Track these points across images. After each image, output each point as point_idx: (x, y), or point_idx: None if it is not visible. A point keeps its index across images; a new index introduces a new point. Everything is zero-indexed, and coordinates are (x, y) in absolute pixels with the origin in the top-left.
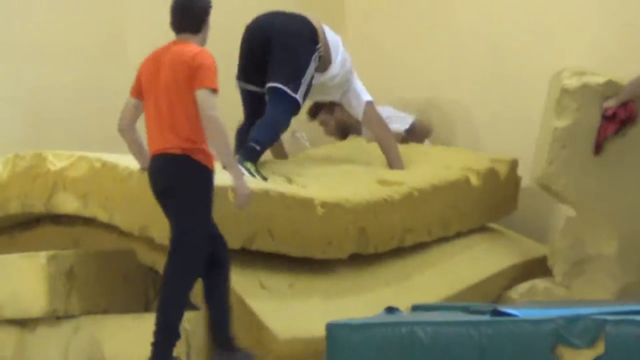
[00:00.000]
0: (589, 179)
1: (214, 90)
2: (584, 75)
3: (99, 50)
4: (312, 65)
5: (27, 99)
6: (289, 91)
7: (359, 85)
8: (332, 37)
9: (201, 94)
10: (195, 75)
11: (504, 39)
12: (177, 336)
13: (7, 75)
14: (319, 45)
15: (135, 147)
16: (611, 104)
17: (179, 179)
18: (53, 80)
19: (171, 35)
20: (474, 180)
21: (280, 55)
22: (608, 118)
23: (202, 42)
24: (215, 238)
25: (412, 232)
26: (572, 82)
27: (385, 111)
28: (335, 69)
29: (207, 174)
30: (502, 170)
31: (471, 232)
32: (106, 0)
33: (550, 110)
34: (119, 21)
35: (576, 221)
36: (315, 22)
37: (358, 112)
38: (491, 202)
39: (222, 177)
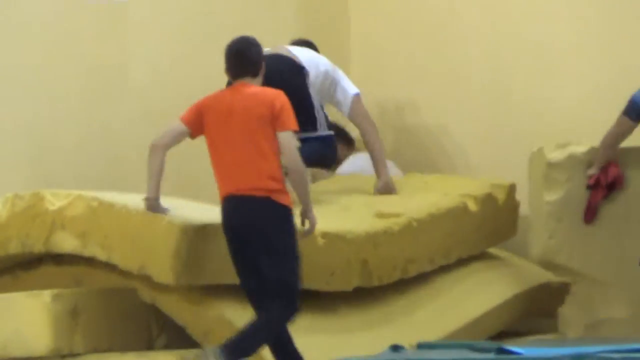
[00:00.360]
0: (591, 247)
1: (295, 132)
2: (567, 146)
3: (100, 83)
4: (310, 91)
5: (28, 134)
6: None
7: (344, 80)
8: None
9: (285, 137)
10: (278, 117)
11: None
12: None
13: (8, 111)
14: (305, 71)
15: (157, 169)
16: (591, 172)
17: (271, 224)
18: (55, 114)
19: (176, 68)
20: (472, 206)
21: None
22: (593, 187)
23: (260, 84)
24: None
25: (414, 263)
26: (556, 155)
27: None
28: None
29: (291, 214)
30: (500, 195)
31: (472, 258)
32: (108, 33)
33: (539, 187)
34: (121, 54)
35: (583, 287)
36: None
37: (345, 109)
38: (490, 227)
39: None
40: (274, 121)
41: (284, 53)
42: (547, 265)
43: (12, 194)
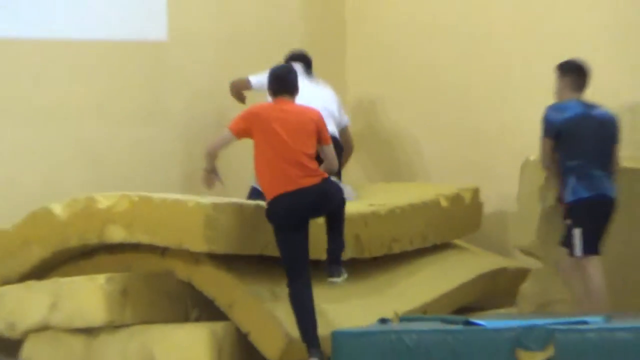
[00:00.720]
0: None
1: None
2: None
3: (144, 110)
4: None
5: (87, 153)
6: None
7: (342, 107)
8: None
9: (328, 149)
10: (320, 133)
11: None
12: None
13: (72, 133)
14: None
15: (214, 166)
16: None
17: (339, 192)
18: (109, 137)
19: (208, 98)
20: (444, 202)
21: None
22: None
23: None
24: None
25: (398, 242)
26: None
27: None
28: None
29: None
30: (467, 196)
31: (444, 245)
32: (150, 71)
33: (533, 193)
34: (163, 86)
35: (542, 272)
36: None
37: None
38: (458, 221)
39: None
40: (318, 135)
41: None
42: (527, 253)
43: (70, 199)
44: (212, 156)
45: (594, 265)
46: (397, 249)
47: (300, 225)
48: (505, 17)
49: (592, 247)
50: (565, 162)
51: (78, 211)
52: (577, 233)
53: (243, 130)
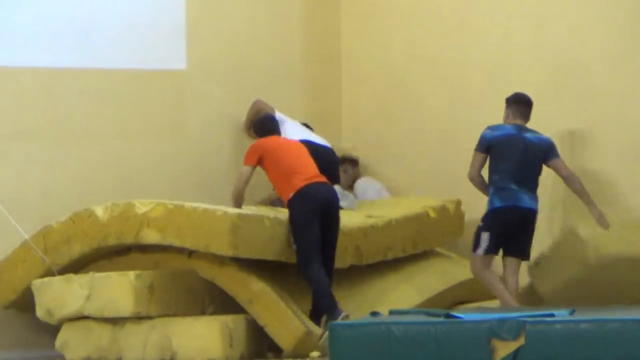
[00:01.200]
0: None
1: None
2: None
3: (165, 129)
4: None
5: (114, 167)
6: None
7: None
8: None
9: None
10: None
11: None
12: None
13: (101, 150)
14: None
15: (241, 204)
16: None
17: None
18: (134, 153)
19: (227, 117)
20: (432, 213)
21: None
22: None
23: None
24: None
25: (392, 249)
26: None
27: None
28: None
29: None
30: (451, 207)
31: (432, 254)
32: (170, 96)
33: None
34: (182, 109)
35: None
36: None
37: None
38: (444, 229)
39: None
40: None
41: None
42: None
43: (110, 203)
44: (241, 199)
45: (489, 264)
46: (391, 255)
47: (319, 212)
48: (484, 45)
49: (492, 248)
50: (490, 175)
51: (117, 214)
52: (484, 236)
53: (257, 160)
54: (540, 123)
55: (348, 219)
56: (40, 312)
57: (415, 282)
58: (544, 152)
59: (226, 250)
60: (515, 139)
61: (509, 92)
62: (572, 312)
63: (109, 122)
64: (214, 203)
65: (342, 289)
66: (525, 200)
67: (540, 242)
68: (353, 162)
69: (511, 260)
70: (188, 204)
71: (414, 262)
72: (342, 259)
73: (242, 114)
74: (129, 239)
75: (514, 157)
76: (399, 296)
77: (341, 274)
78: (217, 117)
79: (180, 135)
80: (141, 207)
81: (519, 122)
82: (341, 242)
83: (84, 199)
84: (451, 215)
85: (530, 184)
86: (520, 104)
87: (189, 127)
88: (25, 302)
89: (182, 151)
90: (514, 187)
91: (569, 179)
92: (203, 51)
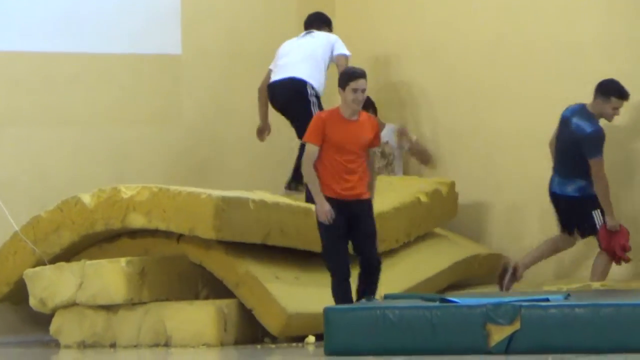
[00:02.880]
0: None
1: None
2: None
3: (160, 114)
4: (313, 108)
5: (109, 150)
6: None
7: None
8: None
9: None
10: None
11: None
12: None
13: (96, 134)
14: (311, 95)
15: (315, 179)
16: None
17: None
18: (128, 137)
19: (221, 102)
20: (424, 198)
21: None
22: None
23: None
24: None
25: (384, 242)
26: None
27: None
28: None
29: None
30: (444, 189)
31: (426, 235)
32: (166, 81)
33: None
34: (177, 94)
35: None
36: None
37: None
38: (437, 212)
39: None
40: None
41: (293, 75)
42: None
43: (97, 189)
44: (314, 177)
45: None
46: (383, 247)
47: None
48: (478, 28)
49: (560, 227)
50: None
51: (104, 200)
52: None
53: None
54: (536, 106)
55: None
56: (33, 302)
57: (409, 265)
58: (577, 142)
59: (210, 233)
60: (563, 121)
61: (505, 75)
62: (567, 297)
63: (103, 107)
64: (208, 188)
65: None
66: (554, 184)
67: None
68: (374, 107)
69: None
70: (173, 187)
71: (408, 244)
72: None
73: (236, 99)
74: (116, 224)
75: (558, 139)
76: (393, 279)
77: None
78: (212, 102)
79: (175, 120)
80: (127, 191)
81: (586, 102)
82: None
83: (78, 184)
84: (444, 198)
85: (562, 168)
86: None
87: (183, 112)
88: (18, 294)
89: (177, 136)
90: (554, 170)
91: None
92: (198, 36)
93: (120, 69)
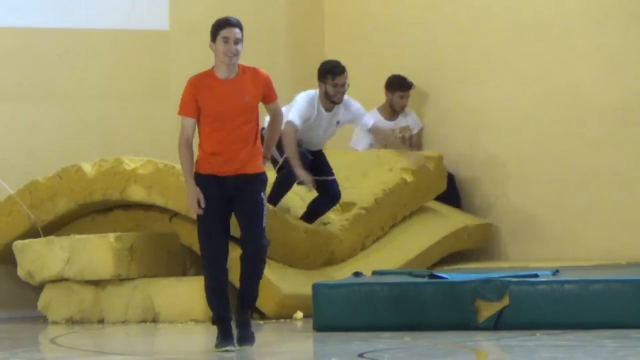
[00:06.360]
0: None
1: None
2: None
3: (148, 90)
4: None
5: (97, 127)
6: None
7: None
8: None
9: None
10: None
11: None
12: None
13: (84, 110)
14: None
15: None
16: None
17: None
18: (115, 113)
19: None
20: (409, 177)
21: None
22: None
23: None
24: None
25: (370, 236)
26: None
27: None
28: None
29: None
30: (431, 165)
31: (412, 212)
32: (153, 57)
33: None
34: (164, 69)
35: None
36: None
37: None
38: (424, 189)
39: None
40: None
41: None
42: None
43: (99, 159)
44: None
45: None
46: (369, 242)
47: None
48: (466, 7)
49: None
50: None
51: (105, 170)
52: None
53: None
54: (524, 82)
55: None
56: (21, 273)
57: (398, 243)
58: None
59: None
60: None
61: (494, 55)
62: (555, 273)
63: (90, 83)
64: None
65: None
66: None
67: None
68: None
69: None
70: (178, 166)
71: (394, 224)
72: (314, 260)
73: None
74: (115, 195)
75: None
76: (382, 258)
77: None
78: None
79: (163, 96)
80: (130, 163)
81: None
82: (315, 245)
83: (68, 160)
84: (432, 173)
85: None
86: None
87: (171, 88)
88: (7, 256)
89: (165, 112)
90: None
91: None
92: (185, 11)
93: (108, 44)
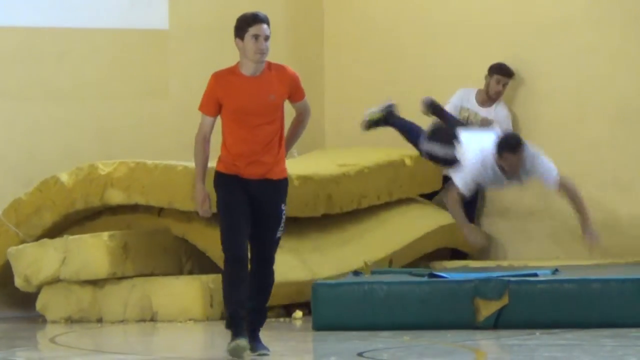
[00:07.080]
0: None
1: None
2: None
3: (147, 90)
4: None
5: (97, 126)
6: None
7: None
8: None
9: None
10: None
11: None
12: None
13: (84, 109)
14: None
15: None
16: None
17: None
18: (116, 112)
19: (208, 77)
20: (408, 161)
21: None
22: None
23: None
24: None
25: (366, 197)
26: None
27: None
28: None
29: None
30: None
31: (408, 200)
32: (153, 56)
33: None
34: (164, 69)
35: None
36: None
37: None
38: (421, 179)
39: None
40: None
41: None
42: None
43: (75, 167)
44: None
45: None
46: (365, 204)
47: None
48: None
49: None
50: None
51: (82, 178)
52: None
53: None
54: (524, 82)
55: (318, 167)
56: (18, 281)
57: (391, 228)
58: None
59: (188, 205)
60: None
61: (494, 52)
62: (555, 272)
63: (90, 82)
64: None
65: (316, 235)
66: None
67: None
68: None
69: None
70: (150, 161)
71: (390, 208)
72: (314, 208)
73: None
74: (95, 202)
75: None
76: (374, 243)
77: (314, 221)
78: (199, 77)
79: (163, 95)
80: (104, 168)
81: None
82: (313, 190)
83: (67, 160)
84: (429, 168)
85: None
86: None
87: (171, 87)
88: (4, 278)
89: (165, 111)
90: None
91: None
92: (185, 10)
93: (108, 44)
